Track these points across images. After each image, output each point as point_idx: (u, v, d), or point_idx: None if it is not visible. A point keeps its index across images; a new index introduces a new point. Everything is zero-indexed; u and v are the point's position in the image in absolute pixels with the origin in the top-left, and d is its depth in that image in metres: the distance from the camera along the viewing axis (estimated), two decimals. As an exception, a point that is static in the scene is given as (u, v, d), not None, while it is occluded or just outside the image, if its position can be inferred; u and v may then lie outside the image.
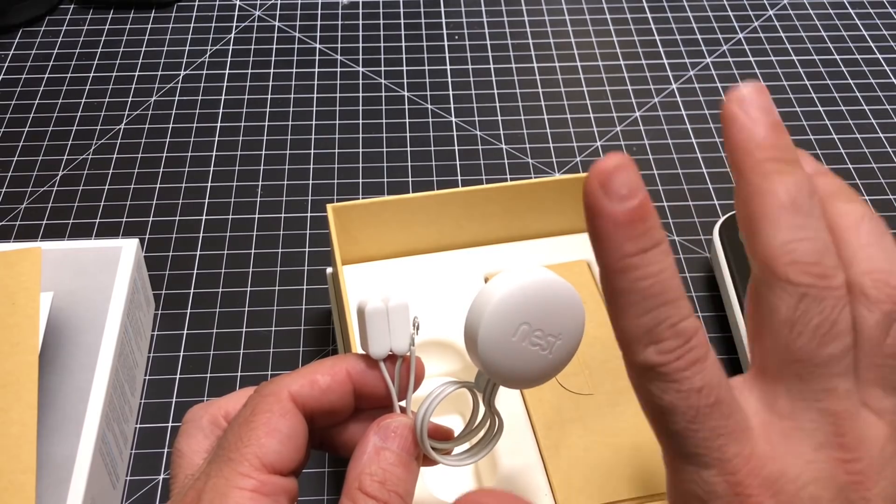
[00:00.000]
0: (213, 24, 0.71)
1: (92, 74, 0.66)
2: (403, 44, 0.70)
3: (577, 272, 0.47)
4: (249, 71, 0.67)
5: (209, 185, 0.58)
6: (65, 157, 0.60)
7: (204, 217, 0.56)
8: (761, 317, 0.24)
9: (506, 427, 0.40)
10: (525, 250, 0.49)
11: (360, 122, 0.63)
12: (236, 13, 0.72)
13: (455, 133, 0.62)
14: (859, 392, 0.24)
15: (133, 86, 0.65)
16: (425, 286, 0.47)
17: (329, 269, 0.49)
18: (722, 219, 0.52)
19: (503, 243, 0.49)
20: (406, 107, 0.64)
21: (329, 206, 0.45)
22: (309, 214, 0.56)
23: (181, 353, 0.49)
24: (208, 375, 0.48)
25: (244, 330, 0.50)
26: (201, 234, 0.55)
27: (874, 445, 0.24)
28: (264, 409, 0.27)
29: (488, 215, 0.48)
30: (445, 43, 0.70)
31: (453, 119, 0.63)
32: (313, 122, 0.63)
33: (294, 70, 0.67)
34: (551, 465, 0.39)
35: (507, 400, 0.41)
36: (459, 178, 0.59)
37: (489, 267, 0.48)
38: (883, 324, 0.24)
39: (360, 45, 0.69)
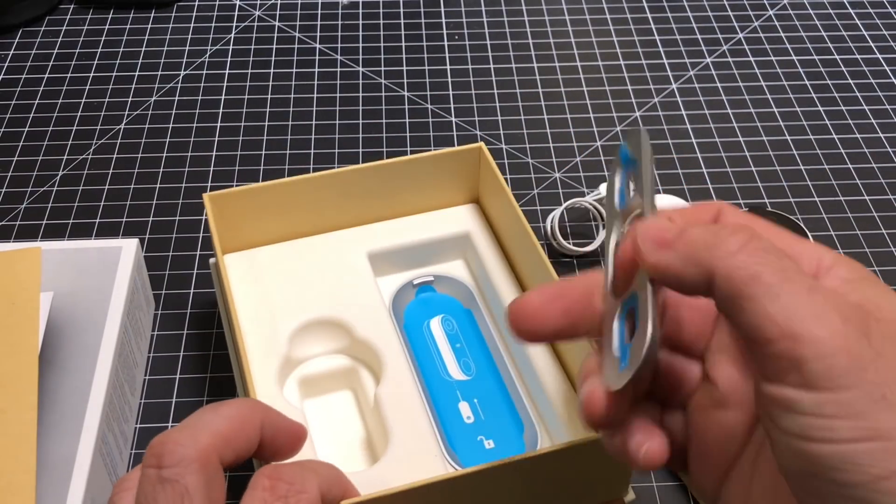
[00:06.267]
0: (213, 24, 0.71)
1: (92, 74, 0.66)
2: (403, 44, 0.70)
3: None
4: (249, 71, 0.67)
5: (209, 184, 0.58)
6: (65, 157, 0.60)
7: (204, 217, 0.56)
8: None
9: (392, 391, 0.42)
10: (406, 226, 0.49)
11: (360, 122, 0.63)
12: (236, 13, 0.72)
13: (455, 133, 0.62)
14: None
15: (133, 86, 0.65)
16: (310, 267, 0.47)
17: (212, 260, 0.49)
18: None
19: (384, 221, 0.49)
20: (406, 107, 0.64)
21: (205, 196, 0.45)
22: (309, 214, 0.56)
23: (181, 353, 0.49)
24: (208, 375, 0.48)
25: (244, 330, 0.50)
26: (201, 235, 0.55)
27: None
28: (195, 483, 0.28)
29: (367, 195, 0.48)
30: (445, 43, 0.70)
31: (453, 119, 0.63)
32: (313, 122, 0.63)
33: (294, 70, 0.67)
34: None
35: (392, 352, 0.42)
36: (459, 178, 0.59)
37: (371, 245, 0.48)
38: None
39: (360, 45, 0.69)
